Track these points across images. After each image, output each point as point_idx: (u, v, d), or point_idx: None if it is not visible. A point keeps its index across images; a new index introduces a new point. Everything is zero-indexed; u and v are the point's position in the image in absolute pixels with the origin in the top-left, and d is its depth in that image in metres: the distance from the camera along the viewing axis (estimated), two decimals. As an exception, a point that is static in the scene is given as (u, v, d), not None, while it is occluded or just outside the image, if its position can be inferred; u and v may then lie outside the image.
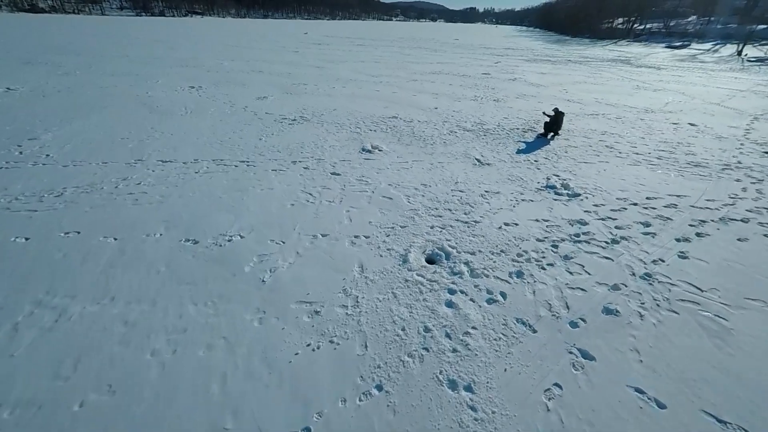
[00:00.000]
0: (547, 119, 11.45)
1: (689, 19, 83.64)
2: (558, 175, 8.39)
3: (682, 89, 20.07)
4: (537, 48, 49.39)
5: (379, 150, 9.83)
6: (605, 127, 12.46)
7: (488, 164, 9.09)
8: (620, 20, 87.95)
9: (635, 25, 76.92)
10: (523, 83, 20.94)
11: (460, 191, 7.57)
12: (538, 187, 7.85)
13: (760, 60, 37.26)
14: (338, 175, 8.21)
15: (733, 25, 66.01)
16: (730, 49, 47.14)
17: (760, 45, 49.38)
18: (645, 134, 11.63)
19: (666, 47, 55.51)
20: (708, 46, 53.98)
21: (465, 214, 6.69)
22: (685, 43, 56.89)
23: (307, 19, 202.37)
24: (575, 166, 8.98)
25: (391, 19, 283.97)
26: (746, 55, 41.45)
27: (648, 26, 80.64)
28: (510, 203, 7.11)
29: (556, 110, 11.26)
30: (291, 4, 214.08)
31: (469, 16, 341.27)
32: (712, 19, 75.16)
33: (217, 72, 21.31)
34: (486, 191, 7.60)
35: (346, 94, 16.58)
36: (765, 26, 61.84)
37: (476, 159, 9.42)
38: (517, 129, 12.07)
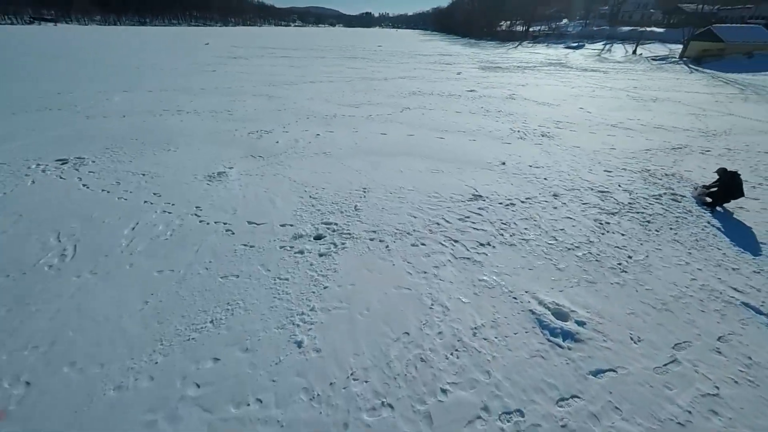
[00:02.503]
0: (717, 185, 7.47)
1: (562, 23, 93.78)
2: None
3: (675, 96, 18.89)
4: (468, 53, 48.07)
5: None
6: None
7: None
8: (510, 23, 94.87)
9: (530, 28, 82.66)
10: (526, 102, 17.34)
11: None
12: None
13: (662, 59, 40.95)
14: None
15: (606, 27, 74.95)
16: (620, 48, 52.09)
17: (640, 45, 55.66)
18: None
19: (565, 47, 59.50)
20: (599, 45, 59.19)
21: None
22: (581, 44, 61.83)
23: (195, 25, 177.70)
24: None
25: (289, 25, 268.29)
26: (641, 54, 45.55)
27: (537, 29, 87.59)
28: None
29: (724, 171, 7.37)
30: (174, 8, 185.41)
31: (366, 20, 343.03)
32: (588, 22, 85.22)
33: (106, 118, 13.06)
34: None
35: (350, 147, 10.62)
36: (629, 28, 71.31)
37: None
38: (660, 197, 7.90)
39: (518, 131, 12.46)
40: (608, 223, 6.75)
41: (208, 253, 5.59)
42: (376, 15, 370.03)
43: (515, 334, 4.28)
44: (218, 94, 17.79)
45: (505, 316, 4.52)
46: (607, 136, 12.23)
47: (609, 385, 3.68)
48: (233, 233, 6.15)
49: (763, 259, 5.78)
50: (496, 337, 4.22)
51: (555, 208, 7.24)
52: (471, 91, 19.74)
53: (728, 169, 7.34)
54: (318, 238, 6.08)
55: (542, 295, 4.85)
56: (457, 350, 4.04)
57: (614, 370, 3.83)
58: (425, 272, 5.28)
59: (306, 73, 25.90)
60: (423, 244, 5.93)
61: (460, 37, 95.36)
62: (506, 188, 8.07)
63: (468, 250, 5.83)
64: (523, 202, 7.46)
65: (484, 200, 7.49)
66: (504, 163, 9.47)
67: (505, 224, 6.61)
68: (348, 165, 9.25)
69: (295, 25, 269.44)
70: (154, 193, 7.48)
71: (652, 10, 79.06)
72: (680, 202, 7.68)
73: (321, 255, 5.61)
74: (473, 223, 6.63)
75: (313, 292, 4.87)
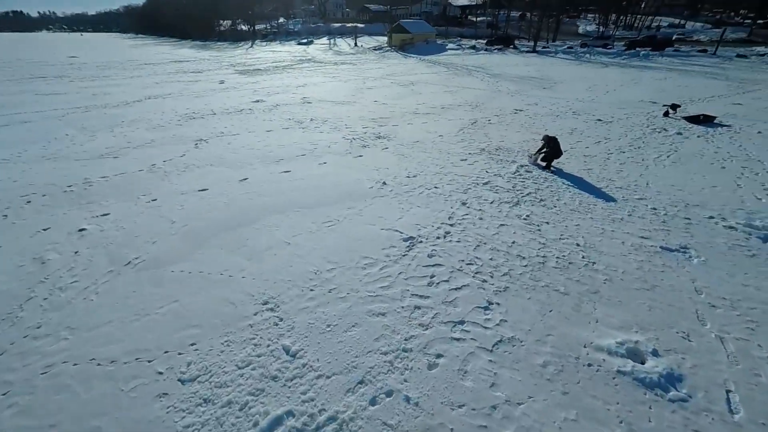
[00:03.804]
0: (545, 150, 8.90)
1: (281, 21, 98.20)
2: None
3: (422, 78, 22.73)
4: (206, 56, 41.65)
5: None
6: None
7: None
8: (232, 22, 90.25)
9: (255, 27, 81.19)
10: (324, 104, 16.30)
11: None
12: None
13: (380, 48, 49.36)
14: None
15: (321, 24, 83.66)
16: (342, 42, 59.58)
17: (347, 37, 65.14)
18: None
19: (297, 44, 62.45)
20: (325, 40, 65.37)
21: None
22: (310, 40, 66.31)
23: None
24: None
25: None
26: (361, 45, 53.52)
27: (262, 27, 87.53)
28: None
29: (548, 137, 8.91)
30: None
31: (16, 23, 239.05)
32: (304, 20, 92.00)
33: None
34: None
35: (175, 244, 6.27)
36: (339, 24, 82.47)
37: None
38: (517, 173, 8.79)
39: (353, 139, 11.28)
40: (534, 214, 6.75)
41: None
42: (35, 15, 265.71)
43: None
44: None
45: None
46: (422, 124, 12.96)
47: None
48: None
49: (620, 203, 7.22)
50: None
51: (481, 219, 6.63)
52: (257, 101, 16.75)
53: (550, 135, 8.89)
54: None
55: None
56: None
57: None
58: None
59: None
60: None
61: (179, 39, 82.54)
62: (420, 214, 6.80)
63: (486, 337, 4.26)
64: (452, 225, 6.43)
65: (419, 240, 5.96)
66: (384, 183, 8.10)
67: (471, 263, 5.39)
68: (210, 271, 5.38)
69: None
70: None
71: (347, 10, 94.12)
72: (531, 172, 8.78)
73: None
74: (446, 281, 5.03)
75: None
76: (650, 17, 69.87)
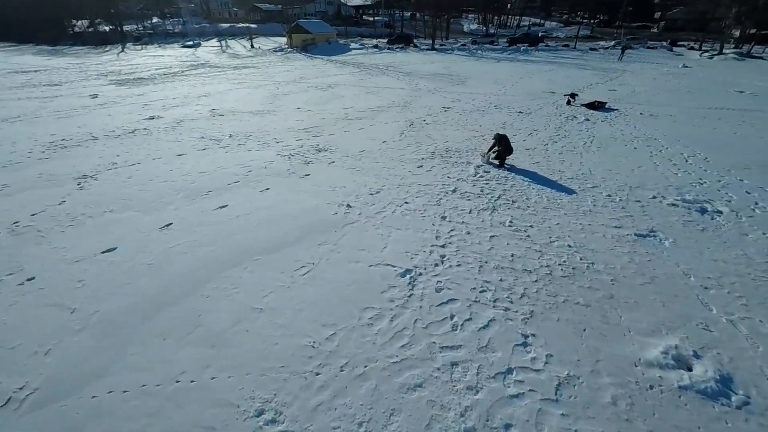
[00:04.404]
0: (498, 149, 8.86)
1: (155, 21, 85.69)
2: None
3: (338, 80, 21.65)
4: (63, 64, 33.32)
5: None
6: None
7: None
8: (90, 22, 75.10)
9: (123, 28, 68.90)
10: (238, 115, 14.16)
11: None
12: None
13: (281, 50, 46.28)
14: None
15: (206, 24, 75.33)
16: (236, 44, 54.59)
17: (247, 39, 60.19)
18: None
19: (182, 47, 55.16)
20: (215, 42, 59.03)
21: None
22: (197, 42, 59.08)
23: None
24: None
25: None
26: (259, 47, 49.71)
27: (132, 28, 75.02)
28: None
29: (499, 136, 8.89)
30: None
31: None
32: (185, 20, 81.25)
33: None
34: None
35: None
36: (227, 25, 75.55)
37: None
38: (477, 176, 8.58)
39: (290, 155, 9.82)
40: (515, 219, 6.47)
41: None
42: None
43: None
44: None
45: None
46: (359, 131, 12.08)
47: None
48: None
49: (580, 194, 7.48)
50: None
51: (468, 233, 6.11)
52: (152, 118, 13.69)
53: (500, 133, 8.88)
54: None
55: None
56: None
57: None
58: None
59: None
60: None
61: (18, 44, 65.37)
62: (404, 239, 5.97)
63: (543, 384, 3.69)
64: (443, 246, 5.76)
65: (418, 273, 5.13)
66: (349, 205, 7.03)
67: (484, 289, 4.79)
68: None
69: None
70: None
71: (234, 9, 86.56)
72: (489, 172, 8.67)
73: None
74: (470, 320, 4.33)
75: None
76: (517, 17, 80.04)
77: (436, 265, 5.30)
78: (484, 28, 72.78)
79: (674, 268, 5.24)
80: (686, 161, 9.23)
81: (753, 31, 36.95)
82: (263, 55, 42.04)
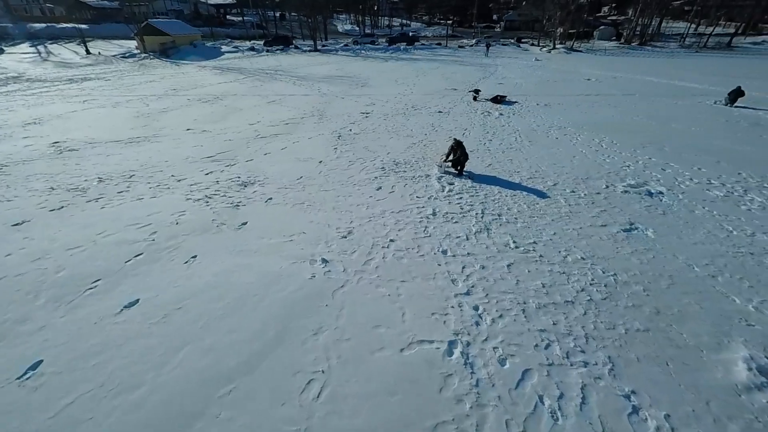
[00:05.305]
0: (455, 156, 8.18)
1: None
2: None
3: (223, 89, 18.20)
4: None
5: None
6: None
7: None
8: None
9: None
10: (100, 148, 10.33)
11: None
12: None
13: (133, 55, 37.76)
14: None
15: (9, 24, 57.04)
16: (63, 49, 42.76)
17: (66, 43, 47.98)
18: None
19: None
20: (27, 47, 45.26)
21: None
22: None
23: None
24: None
25: None
26: (99, 52, 39.91)
27: None
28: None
29: (456, 142, 8.26)
30: None
31: None
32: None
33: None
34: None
35: None
36: (43, 25, 59.14)
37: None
38: (452, 187, 7.77)
39: (207, 198, 7.31)
40: (514, 237, 5.79)
41: None
42: None
43: None
44: None
45: None
46: (283, 152, 10.05)
47: None
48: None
49: (549, 195, 7.37)
50: None
51: (483, 267, 5.16)
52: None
53: (457, 139, 8.24)
54: None
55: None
56: None
57: None
58: None
59: None
60: None
61: None
62: (417, 293, 4.66)
63: None
64: (467, 293, 4.68)
65: (461, 340, 3.95)
66: (325, 261, 5.32)
67: (546, 343, 3.91)
68: None
69: None
70: None
71: (49, 5, 67.67)
72: (453, 183, 7.96)
73: None
74: (560, 397, 3.37)
75: None
76: (387, 18, 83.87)
77: (477, 323, 4.21)
78: (358, 28, 73.94)
79: (676, 261, 5.32)
80: (602, 146, 10.25)
81: (571, 30, 46.43)
82: (108, 62, 33.73)
